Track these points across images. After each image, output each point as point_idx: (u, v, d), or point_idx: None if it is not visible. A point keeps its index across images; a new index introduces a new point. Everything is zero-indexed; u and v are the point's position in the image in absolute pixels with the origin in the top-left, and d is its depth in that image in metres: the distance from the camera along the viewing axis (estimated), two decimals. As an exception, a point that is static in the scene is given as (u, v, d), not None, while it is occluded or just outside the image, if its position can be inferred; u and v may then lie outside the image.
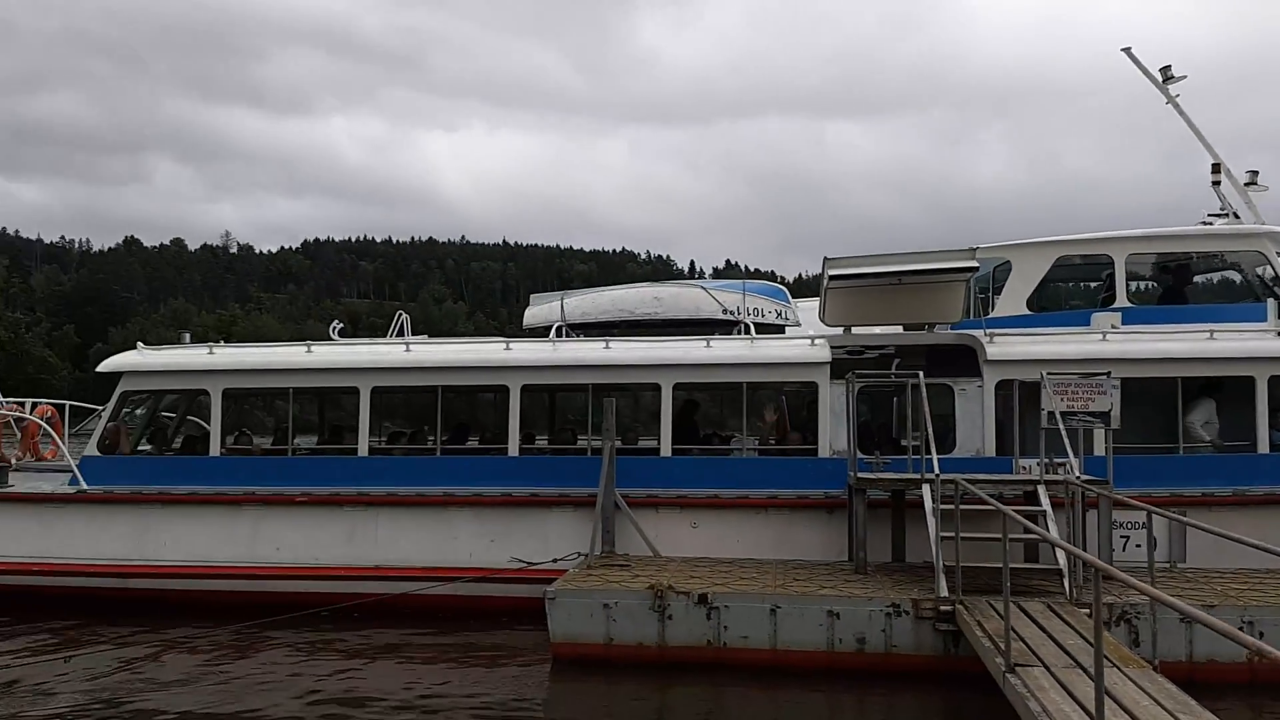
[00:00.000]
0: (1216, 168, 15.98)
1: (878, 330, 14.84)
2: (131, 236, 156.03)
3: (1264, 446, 13.40)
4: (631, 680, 10.98)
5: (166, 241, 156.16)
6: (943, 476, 11.24)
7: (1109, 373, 12.14)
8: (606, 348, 14.71)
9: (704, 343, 14.66)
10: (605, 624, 11.33)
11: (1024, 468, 12.34)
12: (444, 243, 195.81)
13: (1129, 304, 14.95)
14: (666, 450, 14.32)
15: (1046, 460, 11.96)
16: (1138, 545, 12.48)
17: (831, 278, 13.76)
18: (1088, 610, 10.39)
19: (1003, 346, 13.79)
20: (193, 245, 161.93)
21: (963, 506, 10.85)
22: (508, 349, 15.00)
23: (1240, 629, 10.23)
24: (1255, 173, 16.02)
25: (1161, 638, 9.67)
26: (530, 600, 12.31)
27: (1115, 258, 15.10)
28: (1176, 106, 16.31)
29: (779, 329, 16.03)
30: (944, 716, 10.21)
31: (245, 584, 14.38)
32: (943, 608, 10.75)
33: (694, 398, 15.20)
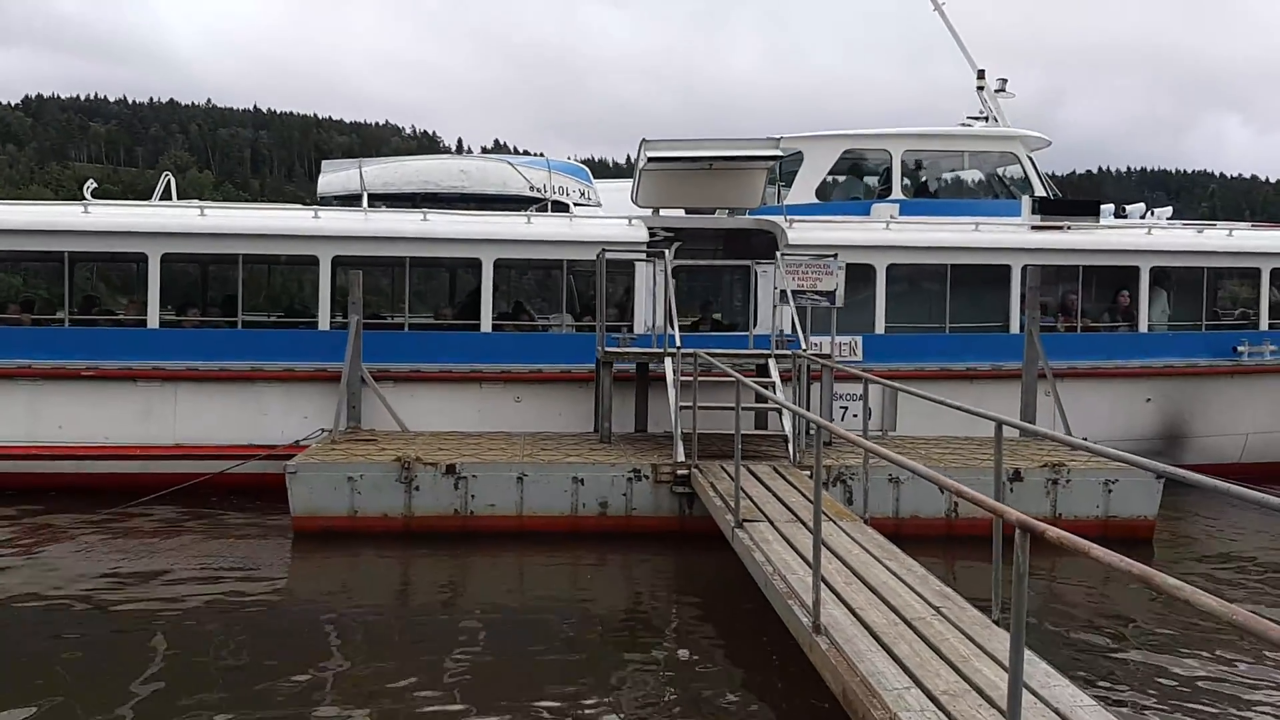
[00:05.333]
0: (981, 74, 17.09)
1: (681, 213, 15.16)
2: None
3: (1015, 328, 14.67)
4: (376, 551, 11.02)
5: None
6: (683, 350, 11.70)
7: (835, 255, 12.98)
8: (425, 220, 14.27)
9: (524, 219, 14.56)
10: (349, 497, 11.27)
11: (815, 343, 12.98)
12: (186, 106, 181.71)
13: (902, 197, 15.85)
14: (487, 326, 14.20)
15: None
16: (855, 415, 13.53)
17: (649, 159, 13.91)
18: (809, 472, 11.22)
19: (801, 232, 14.38)
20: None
21: (702, 379, 11.37)
22: (317, 217, 14.25)
23: (940, 488, 11.35)
24: (1004, 80, 17.24)
25: (872, 496, 10.49)
26: None
27: (893, 153, 15.94)
28: (942, 15, 17.15)
29: (566, 208, 15.97)
30: (676, 572, 10.81)
31: (21, 465, 13.29)
32: (679, 472, 11.33)
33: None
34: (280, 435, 13.47)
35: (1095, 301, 15.49)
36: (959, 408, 8.08)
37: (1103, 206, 16.60)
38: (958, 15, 17.20)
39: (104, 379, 13.57)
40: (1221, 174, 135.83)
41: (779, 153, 14.11)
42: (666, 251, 12.68)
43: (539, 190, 15.73)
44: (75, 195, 14.60)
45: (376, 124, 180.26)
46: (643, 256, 13.72)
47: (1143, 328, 15.17)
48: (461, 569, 10.85)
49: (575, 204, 15.88)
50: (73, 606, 9.21)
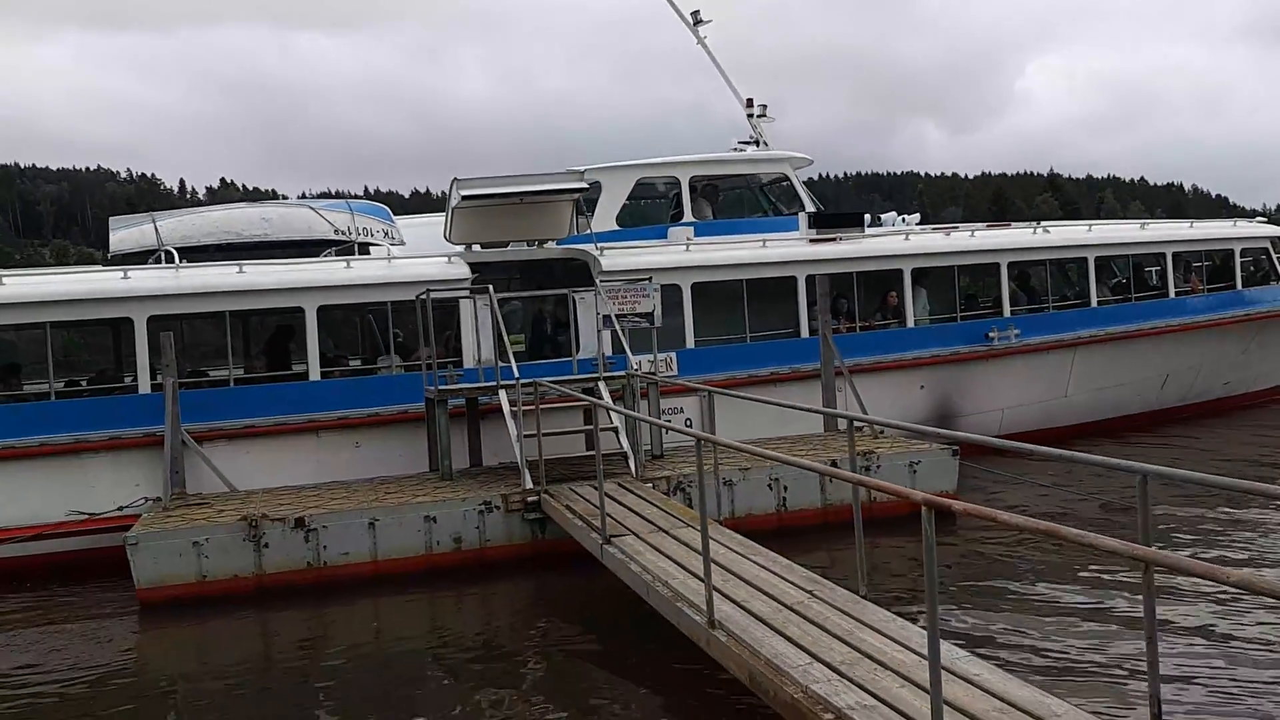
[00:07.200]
0: (750, 102, 18.51)
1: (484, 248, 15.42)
2: None
3: (805, 332, 15.95)
4: (230, 615, 10.82)
5: None
6: (523, 380, 12.15)
7: (650, 278, 13.82)
8: (241, 271, 13.94)
9: (344, 264, 14.53)
10: (196, 562, 11.02)
11: (637, 364, 13.58)
12: None
13: (694, 219, 16.85)
14: (316, 374, 14.02)
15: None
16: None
17: (463, 197, 14.19)
18: (652, 484, 11.96)
19: (611, 258, 15.11)
20: None
21: (533, 406, 11.85)
22: (126, 278, 13.68)
23: (769, 485, 12.43)
24: (765, 106, 18.76)
25: (710, 499, 11.30)
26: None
27: (681, 179, 16.96)
28: (706, 49, 18.42)
29: (367, 248, 15.99)
30: (534, 596, 11.21)
31: None
32: (530, 499, 11.76)
33: (289, 323, 14.70)
34: (111, 506, 12.92)
35: (867, 303, 17.08)
36: (814, 410, 9.18)
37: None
38: (670, 41, 18.61)
39: None
40: (926, 173, 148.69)
41: (583, 185, 14.83)
42: (490, 288, 13.08)
43: (343, 233, 15.75)
44: None
45: (88, 169, 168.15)
46: (466, 293, 14.03)
47: (910, 323, 16.89)
48: (320, 622, 10.78)
49: (391, 244, 15.97)
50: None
